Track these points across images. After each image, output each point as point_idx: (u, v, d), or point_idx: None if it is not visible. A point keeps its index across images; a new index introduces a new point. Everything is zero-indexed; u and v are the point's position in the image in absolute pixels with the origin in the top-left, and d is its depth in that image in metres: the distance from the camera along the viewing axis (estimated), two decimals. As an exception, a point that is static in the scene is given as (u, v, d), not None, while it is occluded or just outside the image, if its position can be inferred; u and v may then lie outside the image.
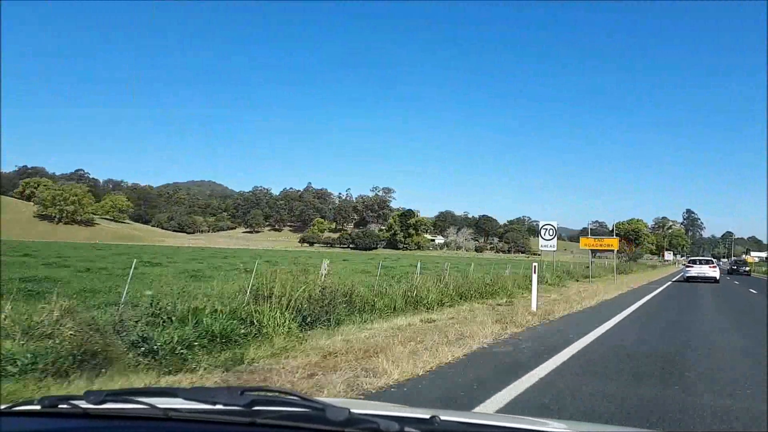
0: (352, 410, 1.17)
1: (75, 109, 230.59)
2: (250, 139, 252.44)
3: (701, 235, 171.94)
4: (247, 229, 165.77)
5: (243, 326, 6.89)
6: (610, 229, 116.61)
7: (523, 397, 4.81)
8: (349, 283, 10.09)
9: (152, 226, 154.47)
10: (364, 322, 8.78)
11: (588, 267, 31.47)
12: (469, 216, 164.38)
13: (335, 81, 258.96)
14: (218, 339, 6.36)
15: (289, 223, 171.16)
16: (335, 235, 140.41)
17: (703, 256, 74.39)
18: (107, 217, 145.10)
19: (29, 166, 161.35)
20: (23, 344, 5.19)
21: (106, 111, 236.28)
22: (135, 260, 9.35)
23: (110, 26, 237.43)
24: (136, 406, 1.31)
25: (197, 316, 6.57)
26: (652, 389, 5.17)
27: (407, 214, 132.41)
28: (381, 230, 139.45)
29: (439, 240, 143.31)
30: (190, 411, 1.29)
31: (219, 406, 1.25)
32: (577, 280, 25.39)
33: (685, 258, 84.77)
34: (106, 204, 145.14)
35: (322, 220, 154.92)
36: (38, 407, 1.36)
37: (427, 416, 1.31)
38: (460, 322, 9.21)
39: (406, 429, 1.13)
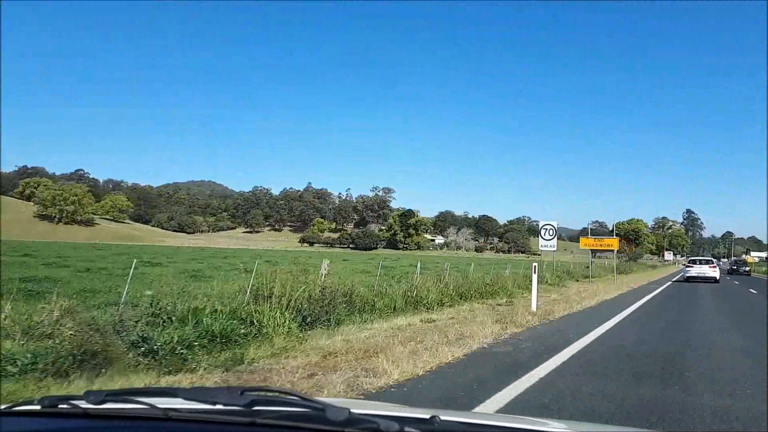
0: (352, 410, 1.18)
1: (75, 109, 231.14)
2: (250, 139, 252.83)
3: (701, 235, 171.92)
4: (247, 229, 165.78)
5: (243, 326, 6.90)
6: (610, 229, 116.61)
7: (524, 397, 4.81)
8: (349, 283, 10.06)
9: (152, 226, 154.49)
10: (364, 322, 8.77)
11: (588, 267, 31.41)
12: (469, 216, 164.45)
13: (335, 81, 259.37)
14: (218, 339, 6.37)
15: (289, 223, 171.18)
16: (335, 235, 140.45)
17: (703, 256, 74.04)
18: (107, 217, 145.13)
19: (29, 166, 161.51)
20: (23, 344, 5.19)
21: (106, 111, 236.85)
22: (135, 260, 9.34)
23: (110, 26, 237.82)
24: (136, 406, 1.31)
25: (197, 316, 6.57)
26: (652, 389, 5.17)
27: (407, 214, 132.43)
28: (381, 230, 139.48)
29: (439, 240, 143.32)
30: (190, 411, 1.30)
31: (219, 406, 1.25)
32: (577, 280, 25.42)
33: (685, 258, 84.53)
34: (106, 204, 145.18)
35: (322, 220, 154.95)
36: (38, 407, 1.36)
37: (427, 416, 1.31)
38: (460, 322, 9.21)
39: (406, 429, 1.13)
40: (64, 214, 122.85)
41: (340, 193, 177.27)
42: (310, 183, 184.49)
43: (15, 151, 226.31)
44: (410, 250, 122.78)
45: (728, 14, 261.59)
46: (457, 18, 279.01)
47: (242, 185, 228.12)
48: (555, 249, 22.29)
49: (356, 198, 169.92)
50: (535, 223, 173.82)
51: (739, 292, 23.79)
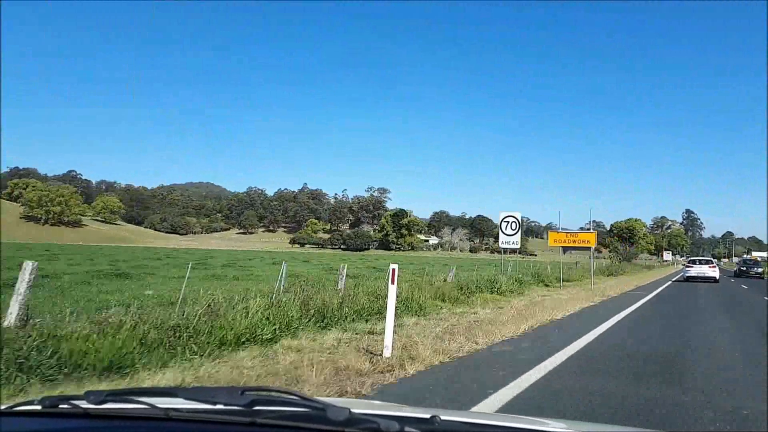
0: (352, 410, 1.18)
1: (74, 109, 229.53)
2: (249, 140, 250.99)
3: (701, 235, 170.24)
4: (241, 231, 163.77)
5: None
6: (608, 228, 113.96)
7: None
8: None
9: (145, 227, 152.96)
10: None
11: (571, 268, 28.80)
12: (467, 216, 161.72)
13: (335, 81, 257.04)
14: None
15: (283, 224, 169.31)
16: (326, 236, 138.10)
17: (702, 256, 71.26)
18: (98, 218, 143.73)
19: (21, 167, 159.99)
20: None
21: (105, 111, 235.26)
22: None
23: (110, 26, 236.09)
24: (137, 406, 1.32)
25: None
26: None
27: (400, 214, 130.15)
28: (374, 231, 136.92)
29: (434, 240, 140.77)
30: (190, 411, 1.30)
31: (219, 406, 1.27)
32: (547, 285, 22.10)
33: (684, 258, 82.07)
34: (97, 205, 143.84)
35: (316, 221, 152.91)
36: (39, 407, 1.37)
37: (428, 416, 1.31)
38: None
39: (407, 429, 1.14)
40: (50, 216, 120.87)
41: (336, 194, 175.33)
42: (305, 184, 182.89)
43: (13, 152, 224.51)
44: (403, 250, 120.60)
45: (728, 14, 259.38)
46: (457, 18, 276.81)
47: (239, 187, 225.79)
48: (518, 246, 19.72)
49: (352, 198, 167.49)
50: (533, 224, 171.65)
51: (752, 302, 17.61)
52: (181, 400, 1.31)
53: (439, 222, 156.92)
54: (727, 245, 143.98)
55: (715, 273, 30.44)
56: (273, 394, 1.33)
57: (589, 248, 22.75)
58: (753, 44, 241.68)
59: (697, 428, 4.11)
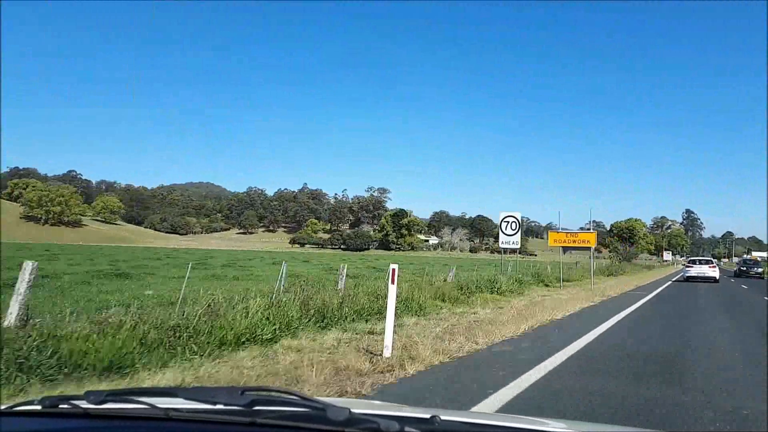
0: (352, 410, 1.18)
1: (74, 109, 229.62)
2: (249, 140, 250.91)
3: (701, 235, 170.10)
4: (241, 231, 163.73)
5: None
6: (608, 228, 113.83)
7: None
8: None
9: (145, 227, 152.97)
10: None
11: (571, 268, 28.68)
12: (467, 216, 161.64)
13: (335, 81, 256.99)
14: None
15: (283, 224, 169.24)
16: (326, 236, 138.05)
17: (702, 256, 71.11)
18: (98, 218, 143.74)
19: (21, 167, 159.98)
20: None
21: (105, 111, 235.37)
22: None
23: (110, 26, 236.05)
24: (137, 406, 1.32)
25: None
26: None
27: (400, 214, 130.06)
28: (374, 231, 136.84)
29: (434, 240, 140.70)
30: (190, 411, 1.30)
31: (219, 406, 1.27)
32: (547, 285, 21.71)
33: (684, 258, 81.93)
34: (97, 205, 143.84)
35: (316, 221, 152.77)
36: (39, 407, 1.37)
37: (428, 416, 1.31)
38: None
39: (407, 429, 1.14)
40: (50, 216, 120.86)
41: (336, 194, 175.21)
42: (305, 184, 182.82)
43: (12, 152, 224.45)
44: (403, 250, 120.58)
45: (729, 14, 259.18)
46: (457, 18, 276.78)
47: (239, 187, 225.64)
48: (518, 246, 19.68)
49: (352, 198, 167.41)
50: (533, 224, 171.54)
51: (752, 302, 17.44)
52: (181, 400, 1.31)
53: (439, 222, 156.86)
54: (727, 245, 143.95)
55: (715, 273, 30.57)
56: (273, 394, 1.34)
57: (589, 248, 22.69)
58: (753, 44, 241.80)
59: (697, 428, 4.11)
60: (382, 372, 5.43)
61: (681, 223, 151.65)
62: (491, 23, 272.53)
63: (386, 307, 6.20)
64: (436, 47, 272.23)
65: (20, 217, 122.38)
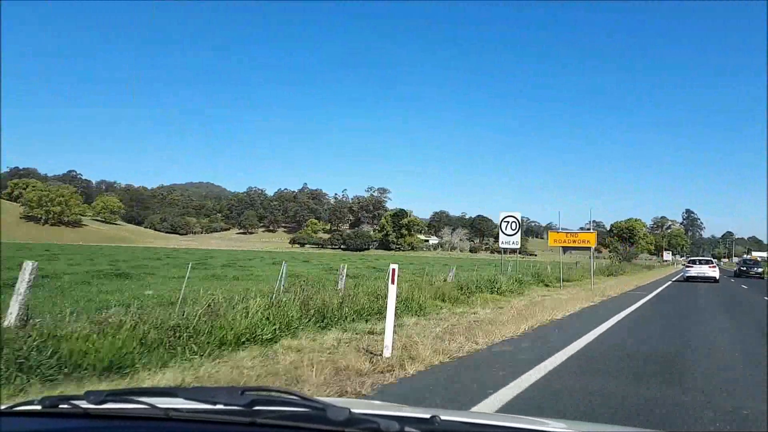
0: (352, 410, 1.18)
1: (74, 109, 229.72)
2: (249, 140, 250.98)
3: (701, 235, 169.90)
4: (241, 231, 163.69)
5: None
6: (608, 229, 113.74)
7: None
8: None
9: (145, 227, 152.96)
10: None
11: (571, 268, 28.61)
12: (467, 216, 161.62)
13: (335, 81, 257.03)
14: None
15: (283, 224, 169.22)
16: (326, 236, 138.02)
17: (703, 256, 70.89)
18: (98, 218, 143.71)
19: (21, 167, 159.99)
20: None
21: (105, 111, 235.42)
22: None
23: (110, 26, 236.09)
24: (137, 406, 1.32)
25: None
26: None
27: (400, 214, 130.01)
28: (374, 231, 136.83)
29: (434, 240, 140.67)
30: (190, 411, 1.30)
31: (219, 406, 1.27)
32: (547, 285, 20.72)
33: (684, 258, 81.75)
34: (97, 205, 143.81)
35: (316, 221, 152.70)
36: (39, 407, 1.37)
37: (428, 416, 1.31)
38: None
39: (407, 429, 1.14)
40: (50, 216, 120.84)
41: (336, 194, 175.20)
42: (306, 184, 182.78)
43: (12, 152, 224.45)
44: (403, 250, 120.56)
45: (728, 14, 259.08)
46: (457, 18, 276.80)
47: (239, 187, 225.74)
48: (518, 246, 19.68)
49: (352, 198, 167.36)
50: (533, 224, 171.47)
51: (752, 302, 17.48)
52: (181, 400, 1.31)
53: (439, 222, 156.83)
54: (727, 245, 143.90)
55: (715, 273, 30.71)
56: (273, 394, 1.33)
57: (589, 248, 22.65)
58: (753, 44, 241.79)
59: (697, 428, 4.11)
60: (382, 372, 5.42)
61: (681, 223, 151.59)
62: (491, 23, 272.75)
63: (386, 307, 6.19)
64: (436, 47, 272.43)
65: (20, 217, 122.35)
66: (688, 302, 16.96)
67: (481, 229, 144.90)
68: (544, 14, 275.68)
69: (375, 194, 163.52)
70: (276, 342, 6.50)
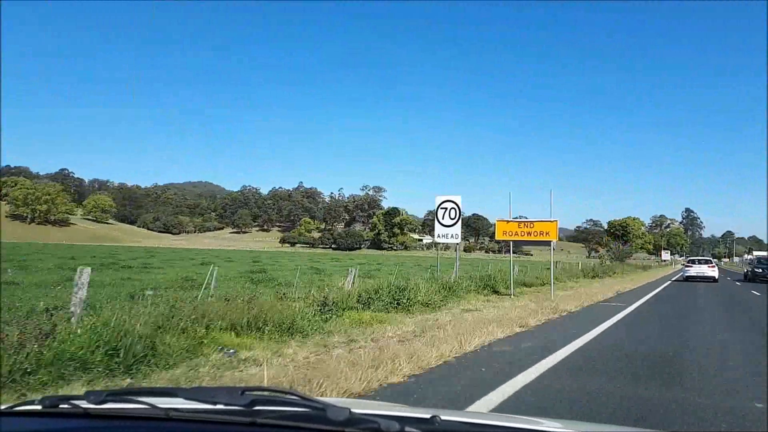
0: (352, 410, 1.19)
1: (74, 109, 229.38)
2: (249, 140, 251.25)
3: (701, 234, 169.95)
4: (235, 230, 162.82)
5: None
6: (606, 227, 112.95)
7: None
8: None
9: (138, 226, 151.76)
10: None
11: (550, 268, 22.64)
12: (464, 215, 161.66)
13: (335, 81, 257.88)
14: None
15: (277, 223, 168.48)
16: (317, 235, 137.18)
17: (702, 256, 70.53)
18: (90, 217, 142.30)
19: (12, 165, 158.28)
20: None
21: (104, 111, 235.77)
22: None
23: (110, 26, 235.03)
24: (137, 406, 1.33)
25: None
26: None
27: (392, 213, 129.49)
28: (366, 230, 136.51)
29: (428, 240, 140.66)
30: (190, 411, 1.30)
31: (219, 406, 1.27)
32: (497, 292, 15.95)
33: (684, 258, 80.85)
34: (88, 204, 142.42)
35: (310, 220, 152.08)
36: (39, 407, 1.37)
37: (428, 416, 1.32)
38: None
39: (407, 429, 1.14)
40: (36, 214, 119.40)
41: (331, 193, 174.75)
42: (301, 182, 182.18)
43: (11, 152, 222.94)
44: (395, 250, 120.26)
45: (729, 14, 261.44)
46: (457, 18, 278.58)
47: (238, 186, 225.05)
48: (459, 240, 15.70)
49: (347, 197, 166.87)
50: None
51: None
52: (181, 400, 1.31)
53: (434, 221, 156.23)
54: (727, 245, 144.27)
55: (714, 273, 30.94)
56: (273, 394, 1.34)
57: (549, 242, 16.25)
58: (753, 44, 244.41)
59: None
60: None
61: (681, 222, 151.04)
62: (491, 23, 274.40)
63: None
64: (436, 47, 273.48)
65: (6, 216, 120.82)
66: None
67: (476, 228, 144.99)
68: (544, 14, 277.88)
69: (370, 193, 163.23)
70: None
